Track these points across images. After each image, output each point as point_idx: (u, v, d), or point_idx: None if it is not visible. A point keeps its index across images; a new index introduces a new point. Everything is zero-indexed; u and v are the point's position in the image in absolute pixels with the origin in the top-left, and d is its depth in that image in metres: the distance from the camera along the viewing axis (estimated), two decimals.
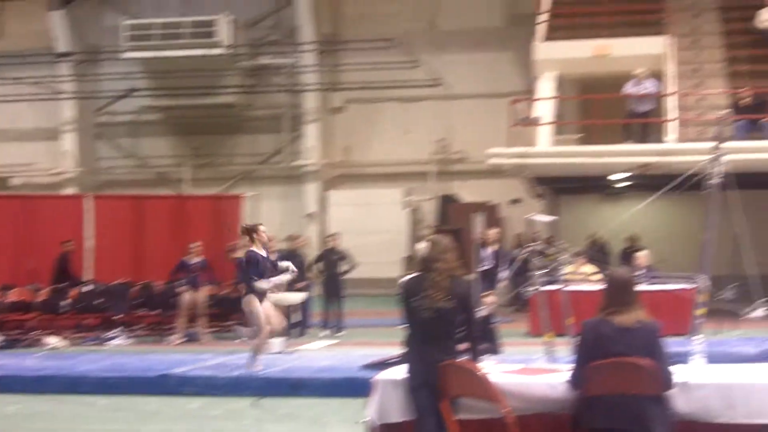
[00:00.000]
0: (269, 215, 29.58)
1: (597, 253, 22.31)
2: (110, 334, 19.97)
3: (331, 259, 21.07)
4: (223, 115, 32.62)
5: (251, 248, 13.84)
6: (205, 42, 30.71)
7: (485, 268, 20.37)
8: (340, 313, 20.86)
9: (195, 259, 20.43)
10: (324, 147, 32.18)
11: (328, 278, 20.98)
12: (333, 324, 20.73)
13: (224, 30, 30.83)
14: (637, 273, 18.62)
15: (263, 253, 13.99)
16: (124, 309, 20.66)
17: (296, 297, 18.86)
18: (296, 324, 20.06)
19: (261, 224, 14.38)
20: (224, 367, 14.59)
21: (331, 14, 32.92)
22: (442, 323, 7.24)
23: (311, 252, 23.40)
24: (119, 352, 18.11)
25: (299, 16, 31.97)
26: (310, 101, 32.01)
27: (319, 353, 17.22)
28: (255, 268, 13.70)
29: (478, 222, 19.20)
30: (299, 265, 20.63)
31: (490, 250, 19.14)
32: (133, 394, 13.54)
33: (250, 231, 13.73)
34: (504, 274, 20.19)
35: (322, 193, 31.75)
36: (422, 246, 7.84)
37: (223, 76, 32.17)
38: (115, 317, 20.44)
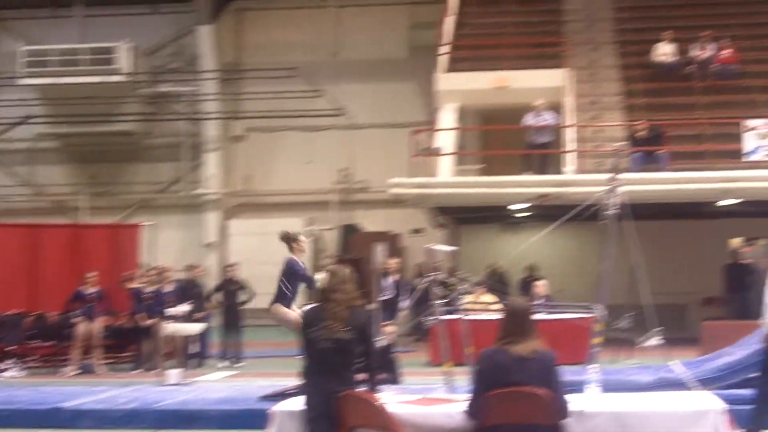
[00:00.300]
0: (168, 244, 29.35)
1: (497, 283, 22.45)
2: (3, 365, 19.48)
3: (230, 289, 20.85)
4: (122, 142, 32.20)
5: (291, 257, 13.35)
6: (104, 69, 30.33)
7: (386, 297, 20.38)
8: (238, 343, 20.62)
9: (91, 289, 20.03)
10: (224, 176, 31.96)
11: (227, 308, 20.76)
12: (232, 355, 20.49)
13: (124, 57, 30.50)
14: (535, 302, 18.80)
15: (302, 263, 13.54)
16: (17, 340, 20.17)
17: (194, 327, 18.62)
18: (194, 355, 19.82)
19: (300, 234, 13.82)
20: (119, 400, 14.31)
21: (233, 42, 32.82)
22: (340, 354, 7.19)
23: (210, 282, 23.16)
24: (12, 384, 17.64)
25: (201, 44, 31.82)
26: (211, 129, 31.77)
27: (217, 385, 16.99)
28: (294, 276, 13.24)
29: (380, 251, 19.19)
30: (198, 295, 20.46)
31: (391, 279, 19.14)
32: (25, 428, 13.17)
33: (290, 239, 13.22)
34: (405, 303, 20.21)
35: (222, 223, 31.47)
36: (321, 276, 7.77)
37: (123, 104, 31.77)
38: (8, 348, 19.94)
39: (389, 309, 20.17)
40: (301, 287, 13.26)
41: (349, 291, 7.31)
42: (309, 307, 7.47)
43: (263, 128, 31.87)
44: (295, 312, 12.67)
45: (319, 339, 7.18)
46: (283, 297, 12.74)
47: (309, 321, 7.30)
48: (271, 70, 30.85)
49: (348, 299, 7.26)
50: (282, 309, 12.72)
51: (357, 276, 7.62)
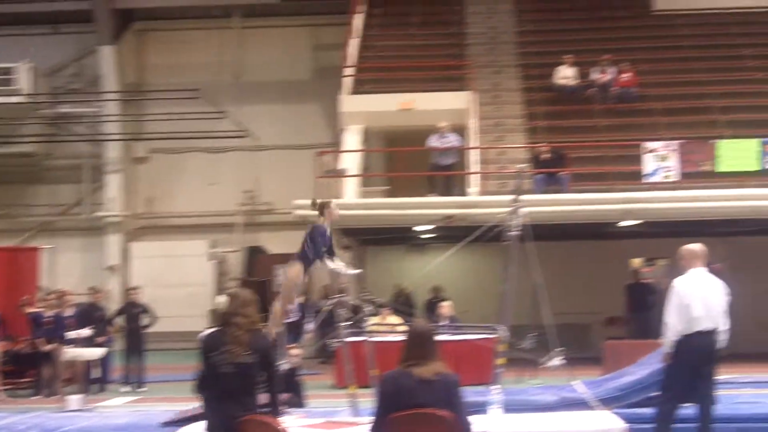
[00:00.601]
0: (69, 268, 28.89)
1: (402, 304, 22.48)
2: None
3: (133, 312, 20.52)
4: (21, 164, 31.64)
5: (318, 223, 12.78)
6: (4, 90, 29.80)
7: (291, 320, 20.26)
8: (141, 367, 20.30)
9: None
10: (127, 198, 31.57)
11: (130, 332, 20.43)
12: (134, 379, 20.16)
13: (24, 77, 30.01)
14: (440, 323, 18.87)
15: (328, 231, 12.98)
16: None
17: (96, 352, 18.29)
18: (96, 380, 19.46)
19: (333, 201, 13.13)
20: (19, 427, 13.97)
21: (135, 63, 32.55)
22: (242, 378, 7.10)
23: (112, 305, 22.81)
24: None
25: (102, 65, 31.47)
26: (113, 151, 31.37)
27: (120, 410, 16.68)
28: (318, 241, 12.67)
29: (284, 274, 19.13)
30: (99, 319, 20.11)
31: (296, 302, 19.05)
32: None
33: (323, 206, 12.70)
34: (309, 326, 20.13)
35: (124, 245, 31.04)
36: (223, 299, 7.67)
37: (23, 125, 31.28)
38: None
39: (294, 331, 20.08)
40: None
41: (251, 314, 7.23)
42: (209, 331, 7.36)
43: (166, 150, 31.60)
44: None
45: (221, 363, 7.08)
46: (305, 258, 12.24)
47: (210, 345, 7.19)
48: (173, 91, 30.60)
49: (249, 323, 7.17)
50: (296, 269, 12.10)
51: (260, 299, 7.53)
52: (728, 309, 10.44)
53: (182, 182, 31.69)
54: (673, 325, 10.25)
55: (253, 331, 7.17)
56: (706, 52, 27.83)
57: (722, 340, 10.44)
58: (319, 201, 12.13)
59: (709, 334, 10.30)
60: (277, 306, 12.02)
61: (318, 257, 12.18)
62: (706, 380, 10.45)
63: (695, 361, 10.31)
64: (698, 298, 10.24)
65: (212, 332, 7.32)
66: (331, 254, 12.73)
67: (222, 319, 7.28)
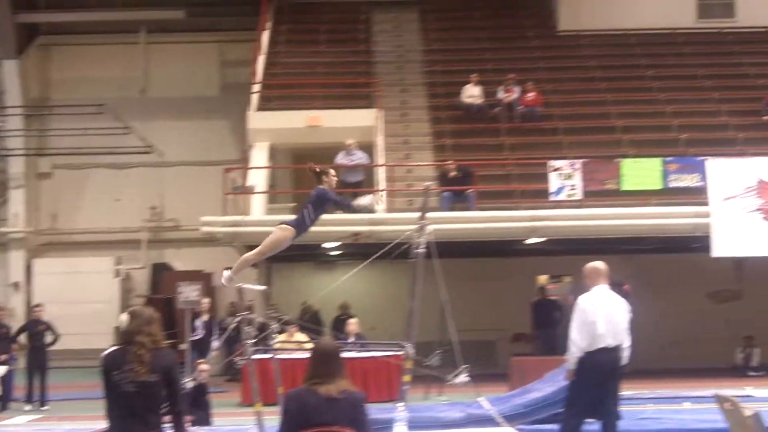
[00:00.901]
0: None
1: (309, 321, 22.42)
2: None
3: (36, 330, 20.15)
4: None
5: (321, 187, 12.24)
6: None
7: (197, 337, 20.16)
8: (44, 386, 19.94)
9: None
10: (30, 214, 31.02)
11: (33, 350, 20.05)
12: (37, 398, 19.79)
13: None
14: (347, 341, 18.88)
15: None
16: None
17: None
18: None
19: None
20: None
21: (39, 78, 32.09)
22: (145, 397, 7.00)
23: (16, 323, 22.40)
24: None
25: (5, 79, 30.97)
26: (16, 166, 30.84)
27: (22, 429, 16.42)
28: (323, 205, 12.12)
29: (190, 291, 18.98)
30: (2, 336, 19.72)
31: (202, 319, 18.94)
32: None
33: (320, 174, 12.24)
34: (216, 343, 20.04)
35: (27, 262, 30.47)
36: (124, 318, 7.54)
37: None
38: None
39: (200, 349, 19.98)
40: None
41: (153, 333, 7.13)
42: (111, 349, 7.24)
43: (70, 165, 31.18)
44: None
45: (123, 382, 6.99)
46: (301, 224, 11.62)
47: (112, 364, 7.09)
48: (78, 106, 30.14)
49: (152, 341, 7.08)
50: (287, 233, 11.51)
51: (165, 316, 7.43)
52: (631, 326, 10.63)
53: (87, 198, 31.26)
54: (578, 341, 10.38)
55: (155, 350, 7.08)
56: (609, 72, 28.36)
57: (625, 356, 10.61)
58: (313, 168, 11.73)
59: (612, 351, 10.45)
60: (248, 254, 11.63)
61: (311, 224, 11.70)
62: (610, 396, 10.61)
63: (599, 378, 10.45)
64: (602, 316, 10.40)
65: (114, 351, 7.20)
66: (347, 208, 12.44)
67: (123, 337, 7.18)
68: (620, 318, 10.56)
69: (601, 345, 10.37)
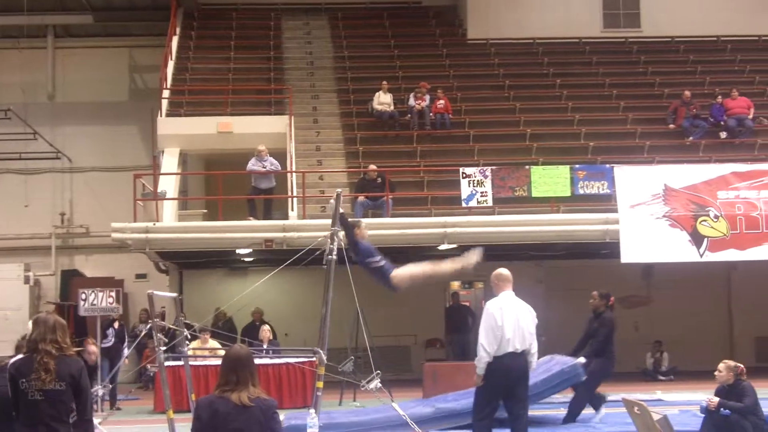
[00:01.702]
0: None
1: (223, 328, 22.31)
2: None
3: None
4: None
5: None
6: None
7: (109, 344, 19.93)
8: None
9: None
10: None
11: None
12: None
13: None
14: (261, 347, 18.83)
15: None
16: None
17: None
18: None
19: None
20: None
21: None
22: (52, 405, 6.93)
23: None
24: None
25: None
26: None
27: None
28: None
29: (103, 298, 18.78)
30: None
31: (114, 326, 18.74)
32: None
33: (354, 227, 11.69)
34: (126, 351, 19.82)
35: None
36: (30, 325, 7.44)
37: None
38: None
39: (111, 356, 19.73)
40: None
41: (59, 340, 7.05)
42: (18, 357, 7.15)
43: None
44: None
45: (30, 390, 6.91)
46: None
47: (18, 372, 7.00)
48: None
49: (57, 349, 7.00)
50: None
51: (75, 323, 7.37)
52: (537, 331, 10.82)
53: None
54: (486, 346, 10.51)
55: (61, 357, 7.00)
56: (518, 81, 28.73)
57: (532, 361, 10.78)
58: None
59: (520, 356, 10.62)
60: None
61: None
62: (517, 401, 10.76)
63: (507, 382, 10.59)
64: (509, 320, 10.55)
65: (21, 359, 7.12)
66: None
67: (28, 345, 7.09)
68: (527, 323, 10.73)
69: (509, 350, 10.52)
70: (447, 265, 11.19)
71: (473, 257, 11.07)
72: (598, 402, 15.06)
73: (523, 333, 10.63)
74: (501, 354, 10.52)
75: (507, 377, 10.60)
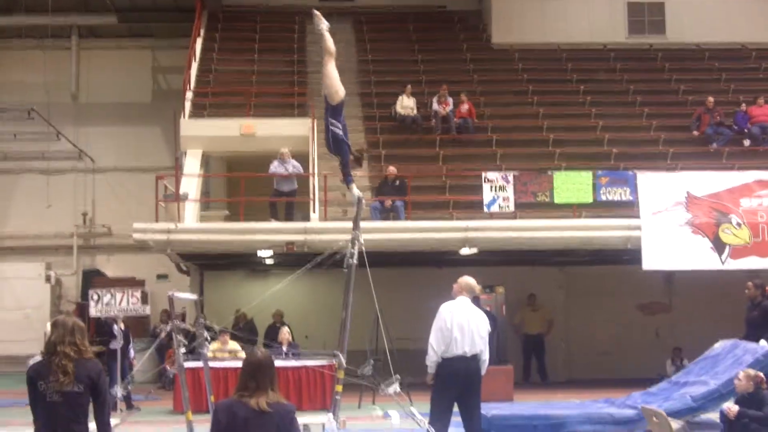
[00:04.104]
0: None
1: (244, 330, 22.36)
2: None
3: None
4: None
5: None
6: None
7: (119, 345, 19.89)
8: None
9: None
10: None
11: None
12: None
13: None
14: (281, 350, 18.85)
15: None
16: None
17: None
18: None
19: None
20: None
21: None
22: (70, 407, 6.93)
23: None
24: None
25: None
26: None
27: None
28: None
29: (120, 298, 18.78)
30: None
31: (120, 327, 18.71)
32: None
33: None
34: (133, 352, 19.83)
35: None
36: (47, 328, 7.44)
37: None
38: None
39: (122, 357, 19.71)
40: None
41: (78, 342, 7.05)
42: (37, 359, 7.15)
43: (0, 170, 30.81)
44: None
45: (48, 392, 6.92)
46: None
47: (37, 374, 7.01)
48: (7, 110, 29.81)
49: (76, 351, 7.00)
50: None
51: (94, 324, 7.38)
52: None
53: (16, 203, 30.88)
54: (435, 345, 10.79)
55: (79, 360, 7.00)
56: (542, 86, 28.65)
57: (484, 366, 10.84)
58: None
59: (470, 360, 10.75)
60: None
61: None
62: (470, 403, 10.88)
63: (457, 384, 10.67)
64: (458, 323, 10.78)
65: (39, 361, 7.12)
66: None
67: (47, 348, 7.10)
68: (477, 327, 10.84)
69: (458, 352, 10.68)
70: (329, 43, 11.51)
71: (321, 22, 11.28)
72: None
73: (473, 337, 10.79)
74: (450, 356, 10.72)
75: (456, 379, 10.75)
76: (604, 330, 25.58)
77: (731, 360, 14.12)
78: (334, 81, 11.14)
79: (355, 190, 11.15)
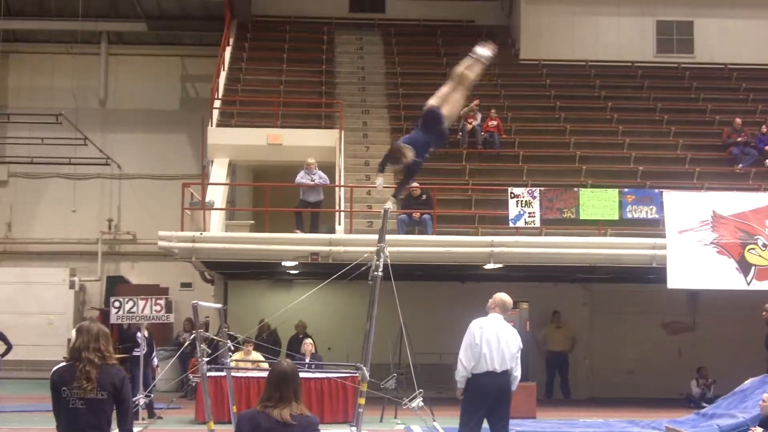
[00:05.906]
0: None
1: (267, 340, 22.36)
2: None
3: None
4: None
5: None
6: None
7: (142, 352, 19.92)
8: None
9: None
10: None
11: None
12: None
13: None
14: (304, 361, 18.82)
15: None
16: None
17: None
18: None
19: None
20: None
21: None
22: (93, 414, 6.93)
23: None
24: None
25: None
26: None
27: None
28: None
29: (142, 306, 18.81)
30: None
31: (144, 334, 18.74)
32: None
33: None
34: (156, 360, 19.86)
35: None
36: (72, 334, 7.44)
37: None
38: None
39: (144, 364, 19.73)
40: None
41: (102, 349, 7.05)
42: (61, 365, 7.16)
43: (27, 174, 31.03)
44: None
45: (72, 399, 6.91)
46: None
47: (61, 380, 7.01)
48: (35, 114, 29.95)
49: (99, 358, 7.00)
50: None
51: (118, 331, 7.37)
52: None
53: (43, 208, 31.06)
54: (464, 361, 10.79)
55: (103, 366, 7.00)
56: (569, 102, 28.57)
57: (515, 383, 10.92)
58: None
59: (500, 376, 10.75)
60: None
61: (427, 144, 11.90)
62: (498, 420, 10.85)
63: (487, 400, 10.63)
64: (487, 339, 10.79)
65: (63, 366, 7.12)
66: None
67: (71, 353, 7.10)
68: (508, 345, 10.83)
69: (488, 368, 10.70)
70: (461, 68, 11.56)
71: (485, 51, 11.22)
72: None
73: (503, 354, 10.79)
74: (480, 372, 10.73)
75: (486, 395, 10.74)
76: (628, 348, 25.49)
77: (760, 395, 14.07)
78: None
79: (388, 203, 11.18)
